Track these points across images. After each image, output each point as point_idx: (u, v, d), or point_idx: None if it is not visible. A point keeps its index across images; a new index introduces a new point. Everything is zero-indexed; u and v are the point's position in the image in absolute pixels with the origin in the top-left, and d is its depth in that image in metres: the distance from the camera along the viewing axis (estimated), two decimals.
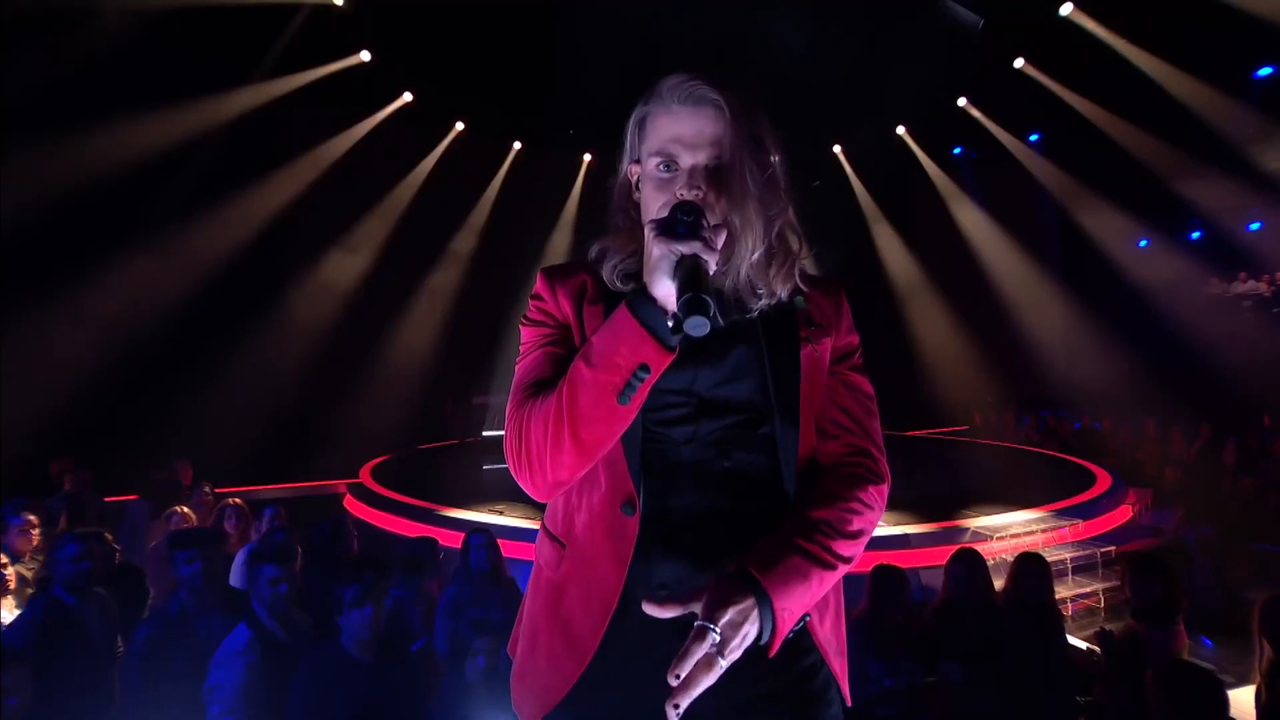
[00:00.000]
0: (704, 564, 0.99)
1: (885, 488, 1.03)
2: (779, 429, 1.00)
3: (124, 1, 7.73)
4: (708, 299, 0.79)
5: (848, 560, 0.95)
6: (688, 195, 0.95)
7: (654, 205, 0.99)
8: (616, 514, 1.00)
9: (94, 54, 7.61)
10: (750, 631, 0.83)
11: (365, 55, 10.22)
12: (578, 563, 1.04)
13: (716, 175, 0.97)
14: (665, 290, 0.85)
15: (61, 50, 7.48)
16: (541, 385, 0.97)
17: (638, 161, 1.06)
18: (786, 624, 0.87)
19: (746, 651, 0.87)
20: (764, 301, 1.03)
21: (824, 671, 1.05)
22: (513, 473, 0.98)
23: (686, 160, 0.97)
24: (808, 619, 0.94)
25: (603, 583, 1.00)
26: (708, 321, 0.78)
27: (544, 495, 0.99)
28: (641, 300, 0.87)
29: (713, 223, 0.93)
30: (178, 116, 8.99)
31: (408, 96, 11.66)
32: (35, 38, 7.35)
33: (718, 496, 1.00)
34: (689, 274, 0.82)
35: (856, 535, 0.97)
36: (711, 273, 0.85)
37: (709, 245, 0.86)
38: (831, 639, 1.07)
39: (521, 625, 1.15)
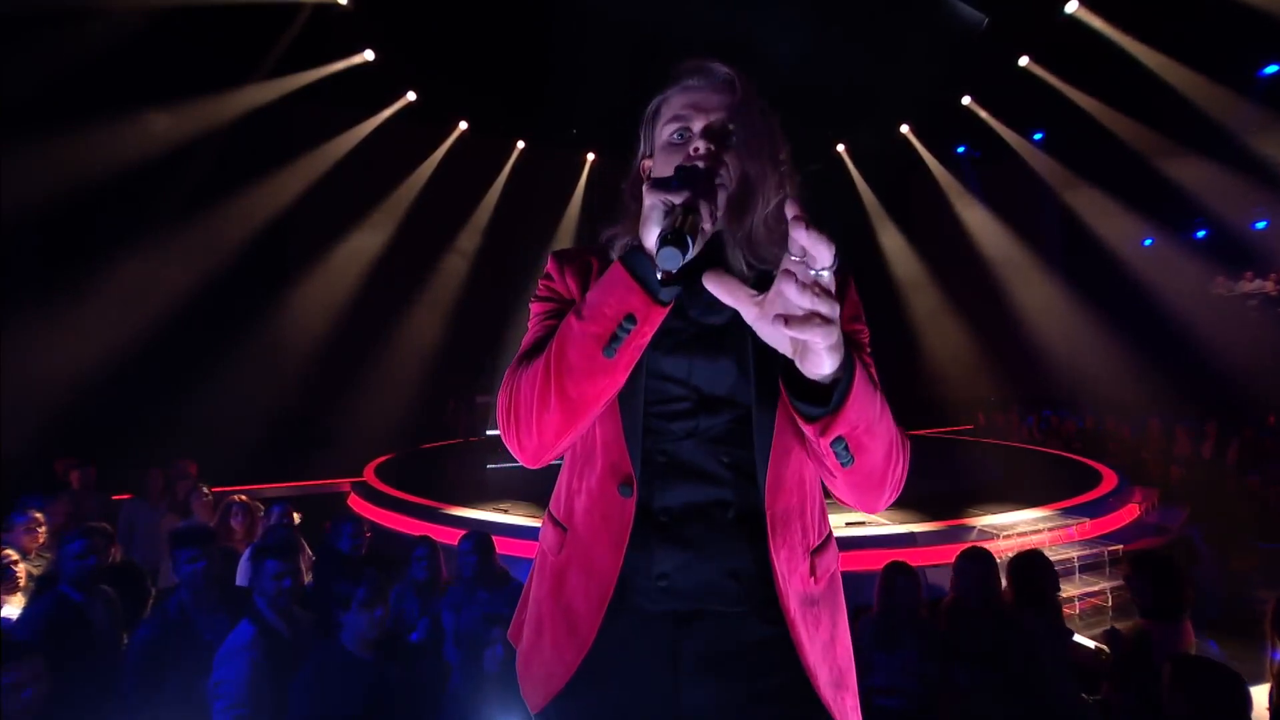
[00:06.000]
0: (702, 555, 0.99)
1: (909, 446, 0.94)
2: (756, 417, 0.98)
3: (128, 0, 7.75)
4: (685, 234, 0.77)
5: (889, 427, 0.87)
6: (701, 149, 0.96)
7: (665, 174, 0.96)
8: (614, 495, 1.00)
9: (96, 52, 7.63)
10: (833, 327, 0.73)
11: (369, 54, 10.22)
12: (578, 547, 1.04)
13: (726, 138, 0.99)
14: (655, 244, 0.82)
15: (65, 48, 7.50)
16: (537, 351, 0.96)
17: (650, 156, 1.07)
18: (851, 409, 0.79)
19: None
20: (759, 278, 1.00)
21: (800, 697, 0.99)
22: (502, 435, 0.97)
23: (699, 124, 0.99)
24: (849, 462, 0.85)
25: (601, 568, 1.00)
26: (680, 254, 0.76)
27: (531, 458, 0.97)
28: (633, 252, 0.86)
29: (718, 183, 0.92)
30: (180, 115, 9.02)
31: (411, 96, 11.68)
32: (39, 35, 7.37)
33: (716, 490, 1.00)
34: (676, 218, 0.79)
35: (891, 435, 0.88)
36: (706, 228, 0.81)
37: (701, 194, 0.82)
38: (822, 666, 1.01)
39: (526, 611, 1.14)
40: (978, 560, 3.08)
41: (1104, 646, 3.12)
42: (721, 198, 0.89)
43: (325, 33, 9.46)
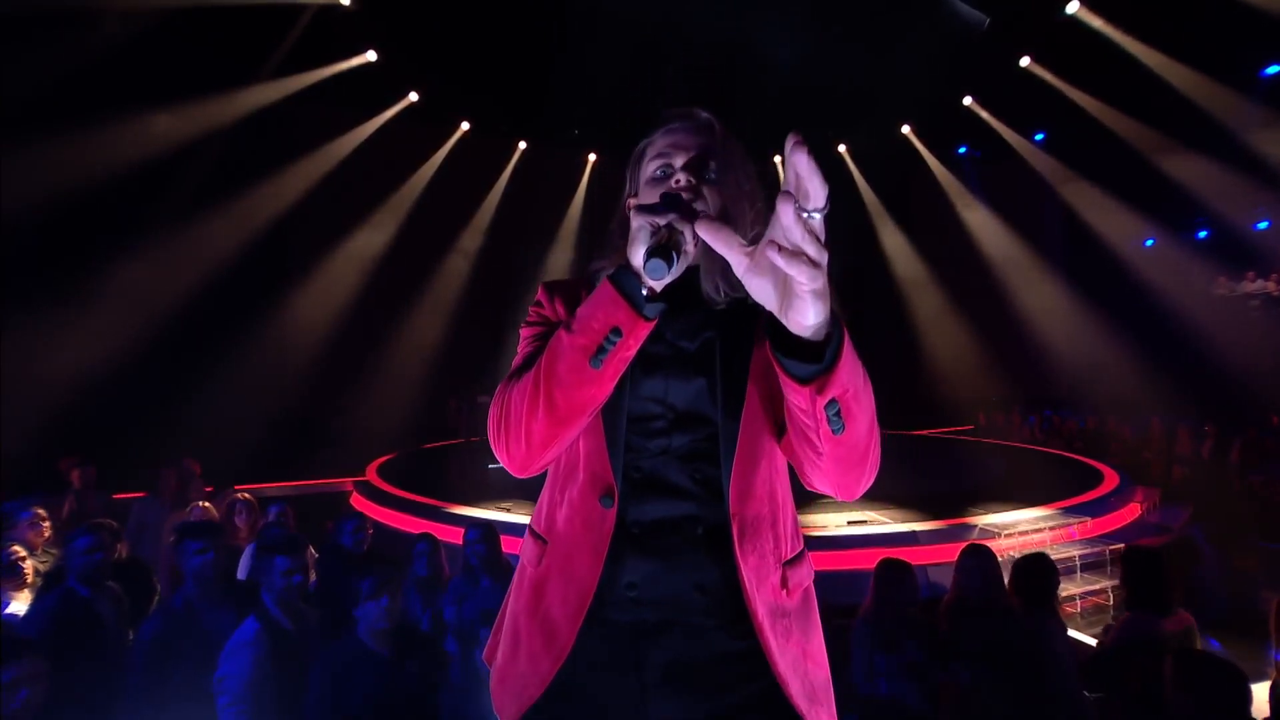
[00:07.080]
0: (671, 566, 1.02)
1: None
2: (722, 429, 1.02)
3: (132, 1, 7.77)
4: (670, 249, 0.82)
5: (871, 399, 0.87)
6: (683, 181, 1.03)
7: (650, 201, 1.04)
8: (595, 505, 1.04)
9: (97, 53, 7.64)
10: (820, 274, 0.72)
11: (371, 55, 10.24)
12: (558, 557, 1.07)
13: (706, 173, 1.05)
14: (642, 259, 0.86)
15: (67, 49, 7.51)
16: (527, 367, 1.00)
17: (635, 195, 1.12)
18: (844, 368, 0.79)
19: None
20: (731, 306, 1.06)
21: (774, 707, 1.01)
22: (492, 445, 1.01)
23: (680, 160, 1.06)
24: (840, 429, 0.84)
25: (580, 576, 1.03)
26: (665, 266, 0.80)
27: (519, 467, 1.01)
28: (621, 270, 0.90)
29: (699, 210, 0.96)
30: (182, 116, 9.04)
31: (413, 96, 11.70)
32: (40, 35, 7.37)
33: (687, 506, 1.03)
34: (661, 236, 0.85)
35: (873, 408, 0.89)
36: (689, 250, 0.86)
37: (684, 217, 0.86)
38: (794, 678, 1.02)
39: (502, 628, 1.16)
40: (979, 556, 3.08)
41: (1104, 643, 3.12)
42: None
43: (328, 33, 9.48)
